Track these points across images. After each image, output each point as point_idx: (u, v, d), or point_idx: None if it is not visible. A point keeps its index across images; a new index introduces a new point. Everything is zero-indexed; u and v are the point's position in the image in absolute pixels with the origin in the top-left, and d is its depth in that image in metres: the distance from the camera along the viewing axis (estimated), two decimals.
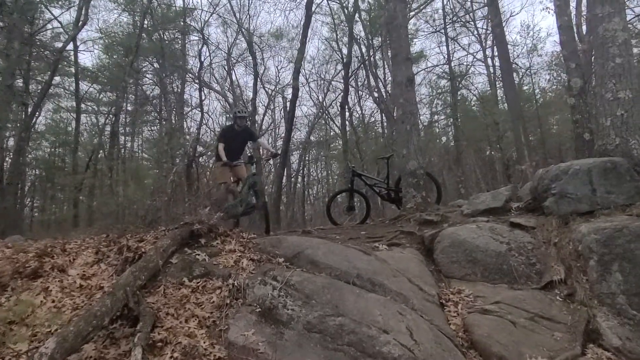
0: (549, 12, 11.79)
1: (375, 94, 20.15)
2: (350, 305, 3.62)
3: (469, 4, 18.63)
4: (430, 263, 4.99)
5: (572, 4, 11.69)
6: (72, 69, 17.77)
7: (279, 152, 10.82)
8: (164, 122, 18.05)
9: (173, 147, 14.98)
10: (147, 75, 20.70)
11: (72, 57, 17.49)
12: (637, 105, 5.46)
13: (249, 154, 7.21)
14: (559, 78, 19.17)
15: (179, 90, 19.50)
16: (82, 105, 18.73)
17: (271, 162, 16.34)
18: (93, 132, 21.13)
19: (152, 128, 22.39)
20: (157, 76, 18.87)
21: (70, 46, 16.62)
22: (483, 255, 4.74)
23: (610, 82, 5.52)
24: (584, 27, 12.39)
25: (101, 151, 19.04)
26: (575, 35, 10.37)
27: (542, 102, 20.04)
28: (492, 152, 20.17)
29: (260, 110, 21.79)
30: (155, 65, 19.24)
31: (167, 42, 18.54)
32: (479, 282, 4.58)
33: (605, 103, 5.54)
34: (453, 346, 3.54)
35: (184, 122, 19.23)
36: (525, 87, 20.38)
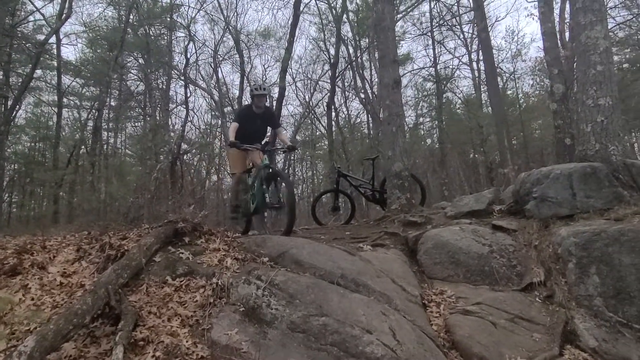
0: (533, 19, 11.99)
1: (362, 95, 20.25)
2: (334, 305, 3.64)
3: (455, 8, 18.84)
4: (414, 264, 5.04)
5: (556, 11, 11.92)
6: (55, 63, 17.45)
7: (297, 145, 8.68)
8: (149, 119, 17.83)
9: (157, 144, 14.81)
10: (132, 71, 20.47)
11: (55, 50, 17.17)
12: (617, 112, 5.60)
13: (265, 140, 6.17)
14: (542, 83, 19.53)
15: (164, 86, 19.32)
16: (64, 100, 18.40)
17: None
18: (75, 127, 20.77)
19: (136, 124, 22.13)
20: (142, 72, 18.65)
21: (53, 39, 16.32)
22: (465, 257, 4.80)
23: (591, 88, 5.65)
24: (567, 34, 12.63)
25: (83, 147, 18.73)
26: (559, 41, 10.56)
27: (525, 106, 20.34)
28: (476, 155, 20.40)
29: None
30: (141, 60, 19.02)
31: (153, 37, 18.35)
32: (461, 283, 4.64)
33: (586, 109, 5.66)
34: (435, 346, 3.58)
35: (169, 119, 19.05)
36: (509, 92, 20.70)
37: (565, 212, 4.88)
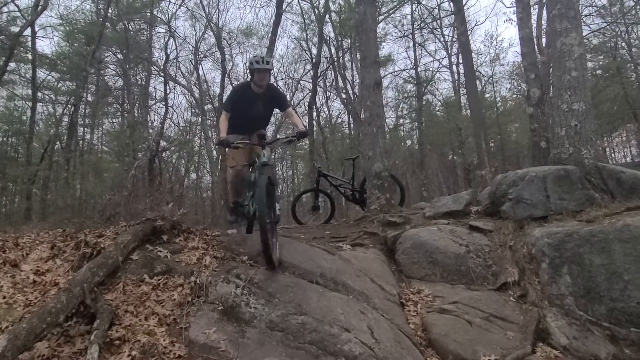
0: (511, 24, 12.31)
1: (343, 95, 20.33)
2: (313, 304, 3.65)
3: (436, 11, 19.08)
4: (392, 263, 5.10)
5: (534, 17, 12.18)
6: (29, 56, 16.95)
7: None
8: (127, 115, 17.52)
9: (135, 140, 14.57)
10: (110, 66, 20.04)
11: (30, 43, 16.69)
12: (590, 117, 5.77)
13: (261, 132, 4.90)
14: (519, 87, 19.94)
15: (143, 82, 19.01)
16: (39, 94, 17.90)
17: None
18: (50, 122, 20.22)
19: (114, 120, 21.70)
20: (121, 67, 18.31)
21: (28, 31, 15.85)
22: (443, 257, 4.87)
23: (566, 93, 5.80)
24: (544, 40, 12.93)
25: (58, 142, 18.27)
26: (536, 47, 10.81)
27: (502, 110, 20.77)
28: (454, 157, 20.73)
29: None
30: (119, 55, 18.66)
31: (132, 32, 18.02)
32: (438, 283, 4.72)
33: (561, 113, 5.82)
34: (412, 344, 3.63)
35: (148, 116, 18.76)
36: (487, 95, 21.10)
37: (540, 213, 5.01)
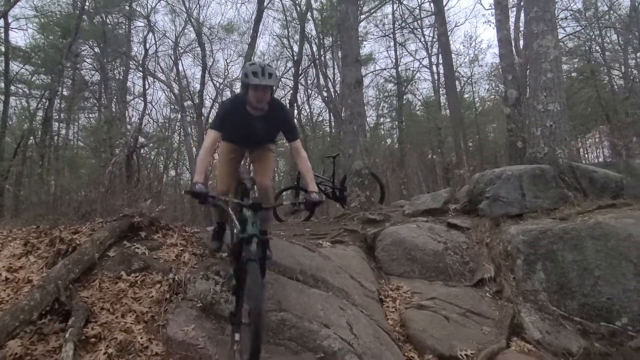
0: (490, 25, 12.50)
1: (325, 94, 20.37)
2: (293, 301, 3.66)
3: (417, 11, 19.26)
4: (372, 260, 5.14)
5: (512, 20, 12.43)
6: (2, 48, 16.45)
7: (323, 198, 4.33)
8: (104, 110, 17.17)
9: (113, 136, 14.29)
10: (87, 60, 19.60)
11: (2, 35, 16.20)
12: (564, 117, 5.92)
13: (247, 176, 3.99)
14: (497, 88, 20.30)
15: (121, 77, 18.66)
16: (12, 87, 17.39)
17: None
18: (23, 117, 19.66)
19: (90, 115, 21.23)
20: (98, 61, 17.92)
21: (1, 23, 15.40)
22: (421, 254, 4.94)
23: (541, 94, 5.94)
24: (522, 42, 13.19)
25: (32, 137, 17.79)
26: (513, 49, 11.01)
27: (480, 110, 21.11)
28: (434, 156, 20.98)
29: (208, 103, 21.30)
30: (96, 49, 18.27)
31: (110, 26, 17.66)
32: (416, 279, 4.78)
33: (537, 114, 5.95)
34: (390, 340, 3.68)
35: (126, 111, 18.43)
36: (466, 95, 21.39)
37: (515, 211, 5.12)
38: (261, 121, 3.53)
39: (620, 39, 17.37)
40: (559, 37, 9.13)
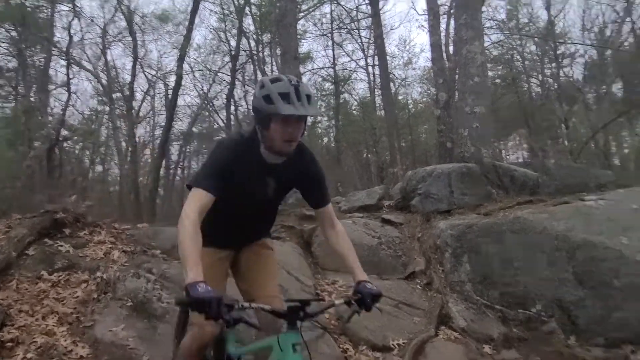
0: (423, 30, 13.02)
1: None
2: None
3: (354, 13, 19.61)
4: (309, 256, 5.19)
5: (443, 26, 13.04)
6: None
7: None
8: (21, 99, 15.83)
9: (32, 128, 13.21)
10: (2, 44, 17.96)
11: None
12: (489, 120, 6.32)
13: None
14: (429, 91, 21.17)
15: (42, 65, 17.29)
16: None
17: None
18: None
19: (5, 105, 19.48)
20: (15, 46, 16.47)
21: None
22: (357, 249, 4.97)
23: (469, 97, 6.31)
24: (452, 48, 13.88)
25: None
26: (444, 53, 11.56)
27: (413, 111, 21.92)
28: (369, 155, 21.50)
29: (139, 95, 20.33)
30: (14, 33, 16.77)
31: (30, 9, 16.28)
32: None
33: (464, 116, 6.32)
34: (326, 333, 3.73)
35: (48, 101, 17.11)
36: (400, 97, 22.10)
37: (445, 207, 5.40)
38: (277, 174, 2.18)
39: (537, 49, 18.83)
40: (485, 45, 9.72)
